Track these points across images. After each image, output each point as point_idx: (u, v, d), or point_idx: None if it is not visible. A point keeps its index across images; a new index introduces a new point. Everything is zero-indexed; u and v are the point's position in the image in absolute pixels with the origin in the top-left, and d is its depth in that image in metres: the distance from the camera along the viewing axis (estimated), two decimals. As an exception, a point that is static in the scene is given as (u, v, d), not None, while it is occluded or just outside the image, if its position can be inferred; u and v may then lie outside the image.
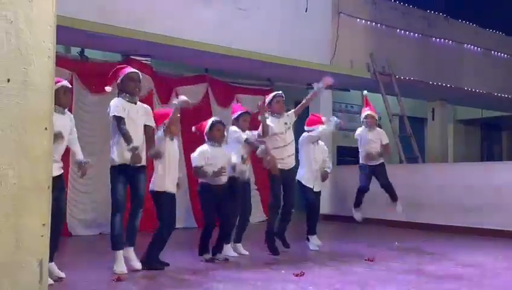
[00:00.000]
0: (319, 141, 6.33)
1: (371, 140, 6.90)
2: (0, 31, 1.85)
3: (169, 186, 4.88)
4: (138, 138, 4.55)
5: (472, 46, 12.22)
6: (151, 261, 4.79)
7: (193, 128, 5.43)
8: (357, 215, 7.09)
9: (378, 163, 6.93)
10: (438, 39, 11.47)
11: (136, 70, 4.76)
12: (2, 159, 1.80)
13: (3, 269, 1.84)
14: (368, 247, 6.43)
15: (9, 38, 1.87)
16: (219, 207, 5.18)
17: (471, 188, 7.82)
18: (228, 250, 5.57)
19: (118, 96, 4.64)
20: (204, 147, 5.23)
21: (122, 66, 4.86)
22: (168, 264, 4.90)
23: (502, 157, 16.23)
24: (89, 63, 7.83)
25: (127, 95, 4.59)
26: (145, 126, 4.69)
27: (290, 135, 5.82)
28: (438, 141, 12.75)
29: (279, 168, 5.66)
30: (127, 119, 4.51)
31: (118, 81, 4.63)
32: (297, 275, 4.48)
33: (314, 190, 6.23)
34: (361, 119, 7.06)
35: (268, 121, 5.64)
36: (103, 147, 6.62)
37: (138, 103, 4.71)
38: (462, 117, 15.61)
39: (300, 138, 6.28)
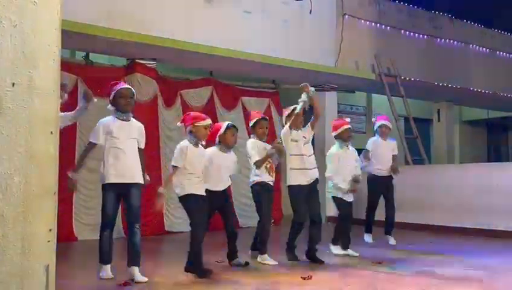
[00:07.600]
0: (349, 146, 5.98)
1: (383, 152, 6.77)
2: (5, 34, 1.83)
3: (196, 189, 4.73)
4: (129, 155, 4.50)
5: (478, 47, 12.14)
6: (194, 267, 4.63)
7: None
8: (368, 238, 6.86)
9: (389, 175, 6.77)
10: (443, 40, 11.40)
11: (128, 87, 4.71)
12: (9, 164, 1.78)
13: (9, 275, 1.81)
14: (376, 250, 6.38)
15: (14, 42, 1.86)
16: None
17: (478, 189, 7.75)
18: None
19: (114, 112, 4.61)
20: (212, 150, 5.12)
21: (115, 82, 4.77)
22: (210, 272, 4.63)
23: (509, 158, 16.10)
24: (94, 67, 7.84)
25: (119, 112, 4.57)
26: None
27: (310, 149, 5.58)
28: (444, 142, 12.67)
29: (302, 185, 5.40)
30: (110, 139, 4.50)
31: (110, 98, 4.61)
32: (304, 279, 4.45)
33: (347, 199, 5.91)
34: (375, 128, 6.90)
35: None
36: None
37: (132, 120, 4.64)
38: (468, 118, 15.52)
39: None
